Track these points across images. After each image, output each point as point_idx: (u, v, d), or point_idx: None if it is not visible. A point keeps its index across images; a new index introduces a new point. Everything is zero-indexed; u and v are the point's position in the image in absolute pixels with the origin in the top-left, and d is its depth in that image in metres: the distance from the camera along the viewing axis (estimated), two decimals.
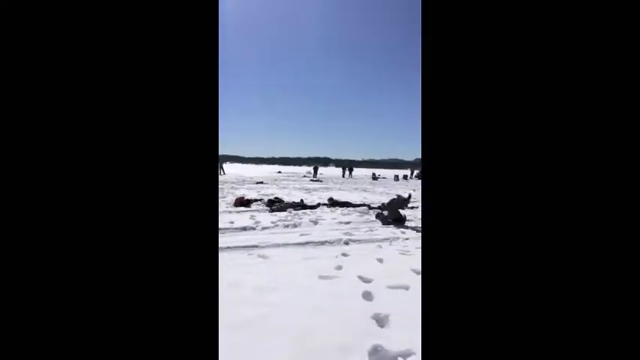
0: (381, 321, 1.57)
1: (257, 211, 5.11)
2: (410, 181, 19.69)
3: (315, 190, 9.81)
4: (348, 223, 4.28)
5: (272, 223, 4.08)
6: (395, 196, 5.07)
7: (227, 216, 4.50)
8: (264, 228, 3.79)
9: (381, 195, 8.91)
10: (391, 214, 4.47)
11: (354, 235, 3.56)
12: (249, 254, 2.71)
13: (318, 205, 5.84)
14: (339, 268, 2.37)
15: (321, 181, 14.85)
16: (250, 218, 4.39)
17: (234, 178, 13.70)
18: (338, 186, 12.15)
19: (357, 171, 28.78)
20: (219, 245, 2.85)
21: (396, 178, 20.44)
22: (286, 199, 6.45)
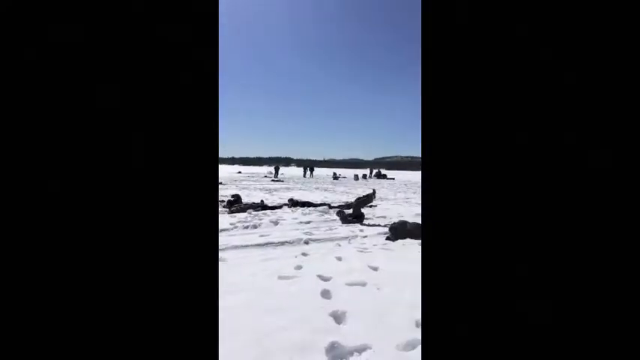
0: (338, 318, 1.61)
1: None
2: (369, 180, 20.22)
3: (276, 190, 9.75)
4: (308, 222, 4.31)
5: (231, 224, 3.99)
6: (361, 196, 5.30)
7: None
8: (222, 230, 3.70)
9: (342, 194, 9.07)
10: (355, 211, 4.61)
11: (314, 234, 3.60)
12: None
13: (281, 206, 5.81)
14: (299, 267, 2.39)
15: (282, 181, 14.78)
16: None
17: None
18: (299, 186, 12.17)
19: (318, 171, 28.98)
20: None
21: (356, 177, 20.90)
22: (246, 199, 6.34)
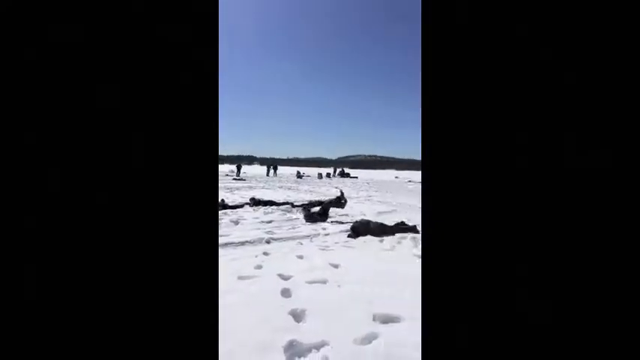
0: (297, 316, 1.61)
1: None
2: (333, 179, 20.44)
3: (237, 189, 9.55)
4: (270, 222, 4.27)
5: None
6: (333, 198, 5.47)
7: None
8: None
9: (306, 193, 9.08)
10: (323, 208, 4.74)
11: (275, 233, 3.57)
12: None
13: (242, 205, 5.70)
14: (259, 267, 2.36)
15: (244, 180, 14.50)
16: None
17: None
18: (262, 184, 12.01)
19: (282, 169, 28.80)
20: None
21: (320, 176, 21.04)
22: None
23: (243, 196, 7.17)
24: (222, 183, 11.71)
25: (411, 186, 14.43)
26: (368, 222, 3.84)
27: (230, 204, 5.63)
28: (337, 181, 17.46)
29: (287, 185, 12.25)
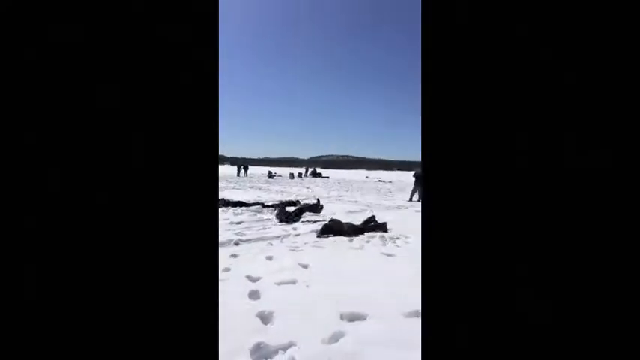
0: (265, 318, 1.60)
1: None
2: (305, 179, 20.43)
3: None
4: (239, 223, 4.20)
5: None
6: (309, 200, 5.66)
7: None
8: None
9: (277, 194, 9.02)
10: (299, 210, 4.87)
11: (245, 234, 3.52)
12: None
13: None
14: (227, 269, 2.32)
15: None
16: None
17: None
18: (232, 185, 11.79)
19: (253, 169, 28.39)
20: None
21: (292, 176, 20.95)
22: None
23: None
24: None
25: (380, 185, 14.73)
26: (339, 222, 3.88)
27: None
28: (309, 181, 17.48)
29: (258, 185, 12.10)
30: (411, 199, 8.04)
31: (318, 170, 26.95)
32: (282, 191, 9.89)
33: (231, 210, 5.25)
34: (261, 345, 1.35)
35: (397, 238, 3.57)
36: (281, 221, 4.42)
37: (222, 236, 3.35)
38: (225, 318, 1.56)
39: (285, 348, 1.35)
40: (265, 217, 4.69)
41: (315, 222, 4.39)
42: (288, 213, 4.66)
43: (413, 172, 8.36)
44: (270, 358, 1.30)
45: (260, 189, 10.49)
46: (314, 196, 8.33)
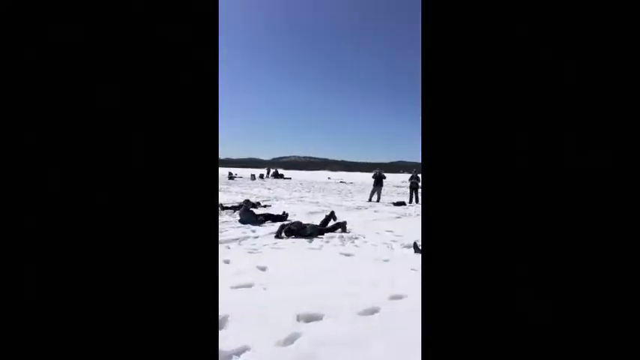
0: (220, 323, 1.56)
1: None
2: (267, 180, 20.18)
3: None
4: None
5: None
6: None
7: None
8: None
9: (237, 195, 8.83)
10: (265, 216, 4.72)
11: None
12: None
13: None
14: None
15: None
16: None
17: None
18: None
19: None
20: None
21: (253, 177, 20.60)
22: None
23: None
24: None
25: (342, 187, 14.95)
26: (299, 223, 3.88)
27: None
28: (271, 182, 17.31)
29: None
30: (370, 200, 8.26)
31: (280, 171, 26.76)
32: (242, 192, 9.71)
33: None
34: None
35: (356, 238, 3.65)
36: (244, 223, 4.34)
37: None
38: None
39: (239, 353, 1.33)
40: (223, 220, 4.57)
41: (272, 223, 4.35)
42: (255, 215, 4.58)
43: (372, 174, 8.60)
44: None
45: (220, 190, 10.21)
46: (275, 197, 8.26)
